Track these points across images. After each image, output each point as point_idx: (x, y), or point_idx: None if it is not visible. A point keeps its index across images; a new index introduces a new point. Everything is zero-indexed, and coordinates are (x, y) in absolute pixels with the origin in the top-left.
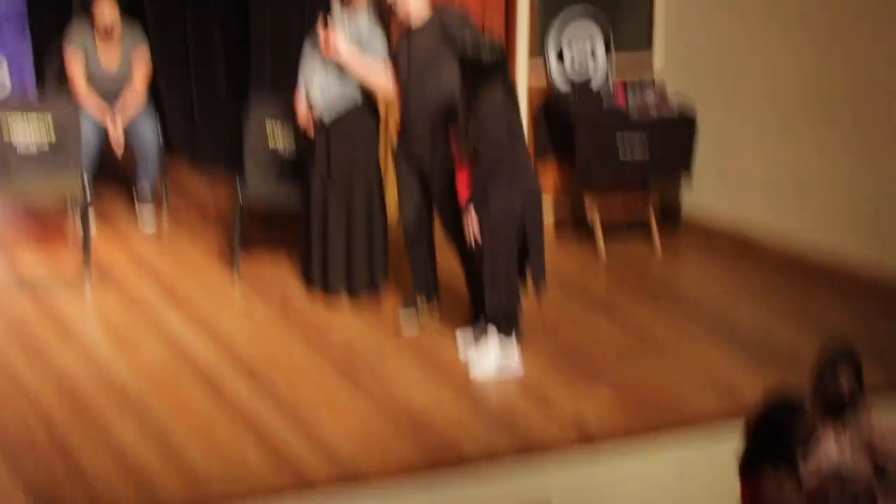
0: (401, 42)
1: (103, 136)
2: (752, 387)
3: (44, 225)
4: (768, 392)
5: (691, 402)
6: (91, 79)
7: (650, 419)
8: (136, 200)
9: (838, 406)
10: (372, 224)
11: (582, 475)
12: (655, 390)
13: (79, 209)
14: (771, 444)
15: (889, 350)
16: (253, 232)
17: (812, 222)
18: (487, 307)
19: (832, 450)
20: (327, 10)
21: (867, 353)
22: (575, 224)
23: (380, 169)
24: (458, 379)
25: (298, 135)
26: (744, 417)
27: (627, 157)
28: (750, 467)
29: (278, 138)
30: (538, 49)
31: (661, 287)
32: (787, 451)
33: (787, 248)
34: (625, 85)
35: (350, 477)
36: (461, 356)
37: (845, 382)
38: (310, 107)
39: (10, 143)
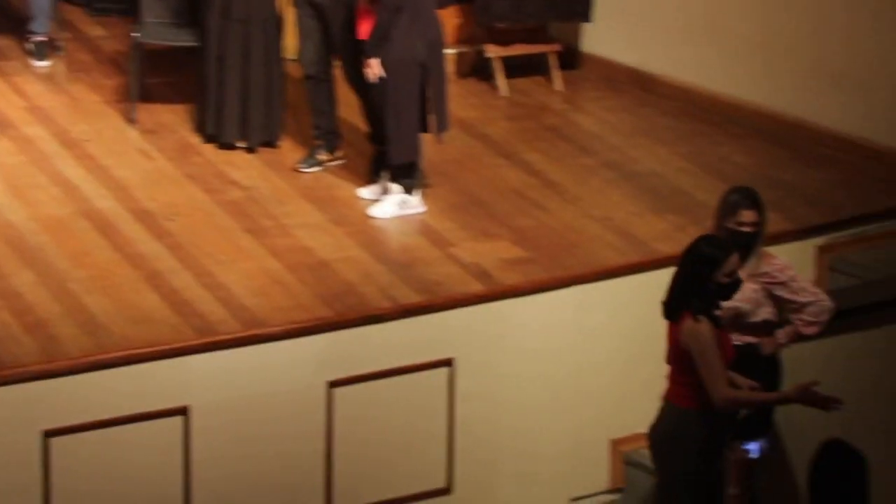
0: None
1: None
2: (653, 230)
3: None
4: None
5: (592, 246)
6: None
7: (551, 264)
8: (29, 53)
9: (739, 244)
10: (270, 67)
11: (485, 322)
12: (557, 235)
13: None
14: (693, 283)
15: (789, 195)
16: (152, 79)
17: (715, 64)
18: (389, 155)
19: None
20: None
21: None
22: (476, 72)
23: (277, 9)
24: (361, 227)
25: None
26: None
27: None
28: (674, 308)
29: None
30: None
31: (561, 130)
32: (707, 291)
33: (689, 90)
34: None
35: (252, 325)
36: (363, 205)
37: (746, 221)
38: None
39: None
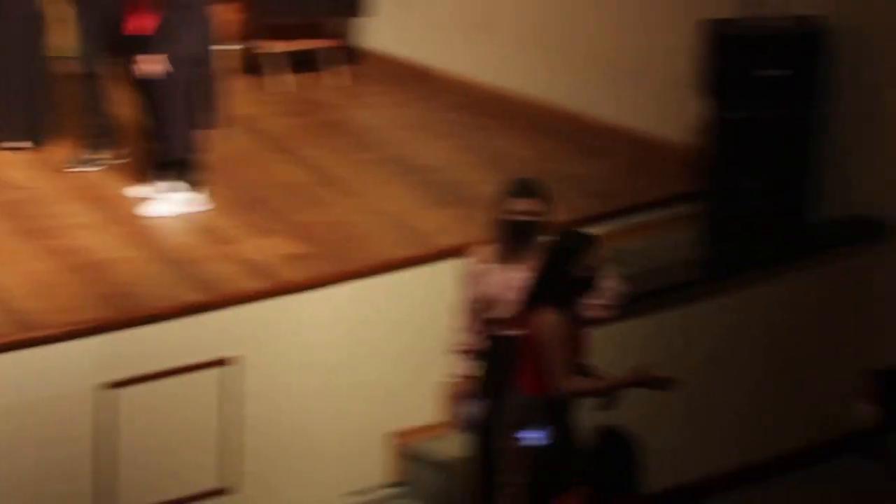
0: None
1: None
2: (434, 223)
3: None
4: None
5: (374, 240)
6: None
7: (333, 258)
8: None
9: (514, 232)
10: (32, 65)
11: (266, 319)
12: (338, 229)
13: None
14: (550, 275)
15: (568, 186)
16: None
17: (494, 58)
18: (166, 152)
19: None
20: None
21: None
22: (254, 68)
23: (38, 5)
24: (138, 226)
25: None
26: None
27: None
28: (533, 299)
29: None
30: None
31: (342, 125)
32: (562, 283)
33: (468, 84)
34: None
35: (27, 328)
36: (139, 203)
37: (517, 210)
38: None
39: None
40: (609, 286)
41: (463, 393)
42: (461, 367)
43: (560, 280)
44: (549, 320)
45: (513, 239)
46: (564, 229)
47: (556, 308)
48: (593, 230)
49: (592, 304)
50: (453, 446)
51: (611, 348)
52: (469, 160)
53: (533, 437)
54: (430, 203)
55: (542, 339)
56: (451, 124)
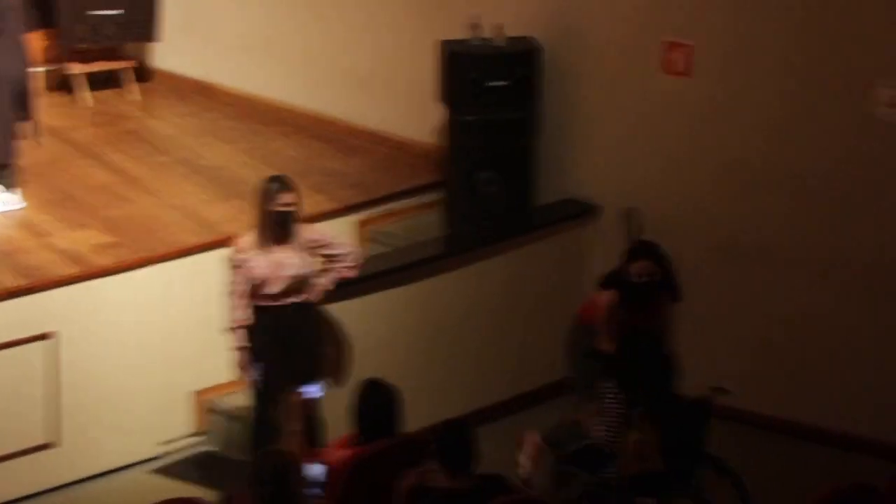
0: None
1: None
2: (220, 214)
3: None
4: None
5: (172, 230)
6: None
7: (138, 246)
8: None
9: (282, 222)
10: None
11: (82, 299)
12: (141, 222)
13: None
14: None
15: (332, 179)
16: None
17: (267, 73)
18: None
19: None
20: None
21: (308, 185)
22: (62, 86)
23: None
24: None
25: None
26: None
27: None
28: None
29: None
30: None
31: (139, 133)
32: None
33: (246, 97)
34: None
35: None
36: None
37: (287, 202)
38: None
39: None
40: (350, 250)
41: (245, 359)
42: (240, 338)
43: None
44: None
45: (279, 227)
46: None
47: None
48: (354, 217)
49: (344, 265)
50: (244, 400)
51: (368, 317)
52: (249, 160)
53: (310, 390)
54: (216, 197)
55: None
56: (231, 131)
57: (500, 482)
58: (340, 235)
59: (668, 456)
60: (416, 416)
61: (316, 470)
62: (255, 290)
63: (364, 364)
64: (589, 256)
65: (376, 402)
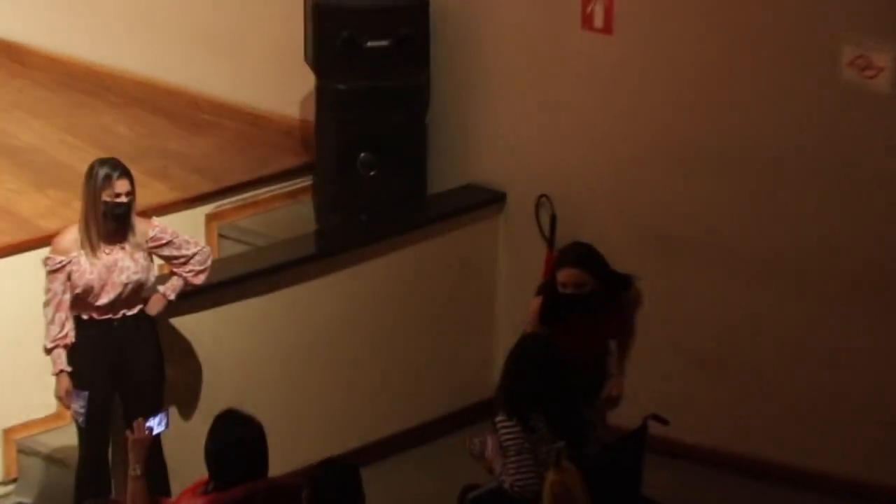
0: None
1: None
2: (36, 206)
3: None
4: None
5: None
6: None
7: None
8: None
9: (115, 215)
10: None
11: None
12: None
13: None
14: None
15: (174, 163)
16: None
17: (90, 33)
18: None
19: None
20: None
21: (144, 170)
22: None
23: None
24: None
25: None
26: None
27: None
28: None
29: None
30: None
31: None
32: None
33: (63, 60)
34: None
35: None
36: None
37: (122, 192)
38: None
39: None
40: (197, 250)
41: (66, 386)
42: (60, 360)
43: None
44: None
45: (109, 222)
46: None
47: None
48: (202, 209)
49: (190, 269)
50: (65, 439)
51: (221, 332)
52: (70, 139)
53: (151, 425)
54: (31, 186)
55: None
56: (45, 103)
57: None
58: (186, 232)
59: (597, 501)
60: (285, 455)
61: None
62: (79, 300)
63: (218, 390)
64: (493, 255)
65: (233, 438)
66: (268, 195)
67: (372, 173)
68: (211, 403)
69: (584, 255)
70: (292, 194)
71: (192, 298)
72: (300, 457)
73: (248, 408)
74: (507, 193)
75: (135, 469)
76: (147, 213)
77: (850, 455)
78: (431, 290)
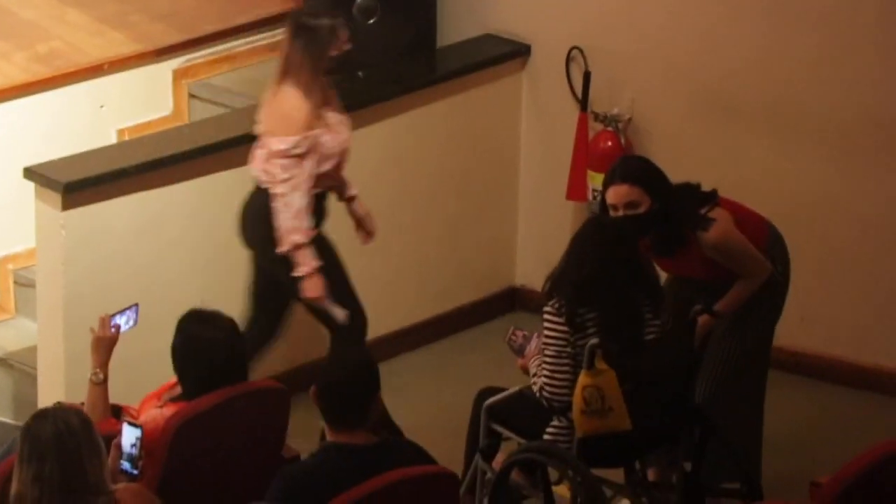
0: None
1: None
2: None
3: None
4: None
5: None
6: None
7: None
8: None
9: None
10: None
11: None
12: None
13: None
14: None
15: (135, 8)
16: None
17: None
18: None
19: None
20: None
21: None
22: None
23: None
24: None
25: None
26: None
27: None
28: None
29: None
30: None
31: None
32: None
33: None
34: None
35: None
36: None
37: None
38: None
39: None
40: None
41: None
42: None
43: None
44: None
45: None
46: None
47: None
48: (168, 63)
49: None
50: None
51: (203, 204)
52: None
53: (124, 321)
54: None
55: None
56: None
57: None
58: (150, 92)
59: (639, 409)
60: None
61: (127, 435)
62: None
63: (189, 281)
64: (515, 119)
65: (201, 338)
66: (247, 48)
67: (371, 21)
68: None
69: (634, 169)
70: (275, 46)
71: (160, 170)
72: (295, 356)
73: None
74: (531, 46)
75: (96, 373)
76: (103, 69)
77: None
78: (442, 161)
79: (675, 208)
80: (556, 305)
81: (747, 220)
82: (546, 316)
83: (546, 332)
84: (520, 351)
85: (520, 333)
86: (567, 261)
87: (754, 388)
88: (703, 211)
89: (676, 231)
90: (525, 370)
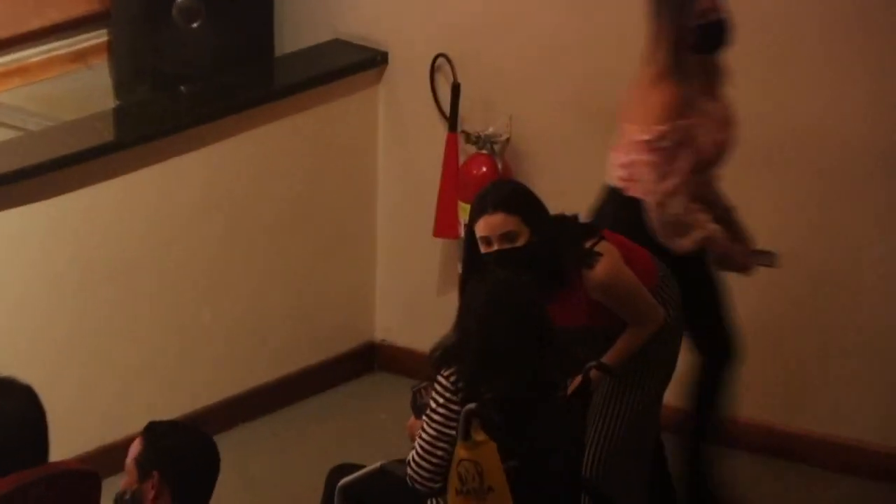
0: None
1: None
2: None
3: None
4: None
5: None
6: None
7: None
8: None
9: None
10: None
11: None
12: None
13: None
14: None
15: None
16: None
17: None
18: None
19: None
20: None
21: None
22: None
23: None
24: None
25: None
26: None
27: None
28: None
29: None
30: None
31: None
32: None
33: None
34: None
35: None
36: None
37: None
38: None
39: None
40: None
41: None
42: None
43: None
44: None
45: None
46: None
47: None
48: None
49: None
50: None
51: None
52: None
53: None
54: None
55: None
56: None
57: None
58: None
59: (525, 491)
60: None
61: None
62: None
63: None
64: (371, 139)
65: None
66: (43, 58)
67: (195, 25)
68: None
69: (509, 195)
70: (79, 56)
71: None
72: (113, 431)
73: (23, 366)
74: (388, 53)
75: None
76: None
77: None
78: (283, 193)
79: (558, 242)
80: (453, 380)
81: (635, 257)
82: (438, 388)
83: (432, 406)
84: (420, 412)
85: (427, 393)
86: (466, 328)
87: (643, 459)
88: (588, 244)
89: (558, 269)
90: (411, 435)
